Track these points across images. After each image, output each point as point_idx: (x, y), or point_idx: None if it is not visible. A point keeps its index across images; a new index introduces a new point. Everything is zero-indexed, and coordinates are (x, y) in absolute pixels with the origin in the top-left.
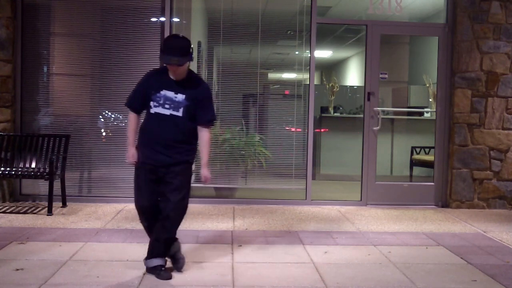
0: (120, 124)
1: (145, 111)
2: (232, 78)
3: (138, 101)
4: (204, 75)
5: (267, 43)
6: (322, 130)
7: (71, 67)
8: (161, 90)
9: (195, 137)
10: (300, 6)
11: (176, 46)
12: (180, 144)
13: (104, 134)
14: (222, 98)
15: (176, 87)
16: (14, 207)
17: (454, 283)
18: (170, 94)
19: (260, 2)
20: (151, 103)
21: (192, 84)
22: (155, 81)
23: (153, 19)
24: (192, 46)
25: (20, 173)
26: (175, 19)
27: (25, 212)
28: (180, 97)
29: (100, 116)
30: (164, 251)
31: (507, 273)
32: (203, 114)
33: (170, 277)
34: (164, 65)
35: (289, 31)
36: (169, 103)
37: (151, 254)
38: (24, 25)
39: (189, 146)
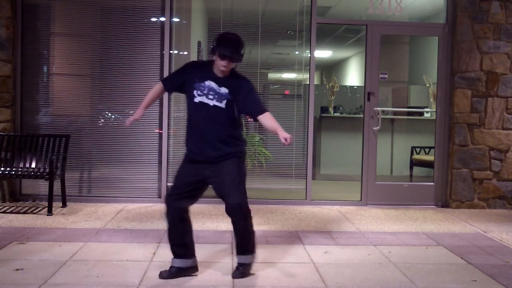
0: (120, 124)
1: (175, 92)
2: None
3: (173, 82)
4: None
5: (267, 43)
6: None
7: (71, 67)
8: (206, 80)
9: (238, 134)
10: (300, 6)
11: (240, 44)
12: (224, 136)
13: (104, 134)
14: None
15: (219, 80)
16: (14, 207)
17: (454, 283)
18: (214, 85)
19: (260, 2)
20: (195, 92)
21: (234, 79)
22: (199, 71)
23: (153, 19)
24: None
25: (20, 173)
26: (175, 19)
27: (25, 212)
28: (224, 90)
29: (100, 116)
30: (248, 248)
31: (507, 273)
32: (253, 107)
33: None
34: (211, 59)
35: (289, 31)
36: (212, 94)
37: (238, 251)
38: (24, 25)
39: (233, 140)
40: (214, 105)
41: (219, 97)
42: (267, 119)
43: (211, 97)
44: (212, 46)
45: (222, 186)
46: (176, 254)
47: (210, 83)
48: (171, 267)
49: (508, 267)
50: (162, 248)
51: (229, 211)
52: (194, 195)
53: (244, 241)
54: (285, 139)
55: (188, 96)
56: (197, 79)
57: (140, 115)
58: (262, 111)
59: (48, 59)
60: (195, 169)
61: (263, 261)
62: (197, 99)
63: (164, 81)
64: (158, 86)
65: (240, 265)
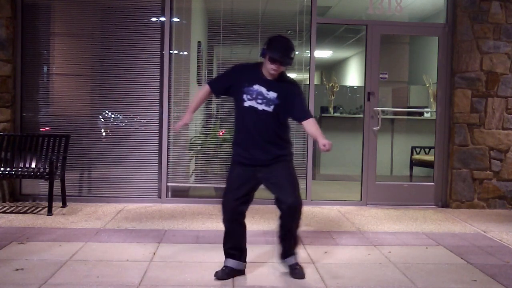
0: (120, 124)
1: (220, 95)
2: None
3: (221, 85)
4: (204, 75)
5: None
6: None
7: (71, 67)
8: (254, 85)
9: (286, 137)
10: (300, 6)
11: (290, 48)
12: (273, 139)
13: (104, 134)
14: (222, 98)
15: (267, 84)
16: (14, 207)
17: (454, 283)
18: (263, 89)
19: (260, 2)
20: (244, 96)
21: (282, 84)
22: (248, 75)
23: (153, 19)
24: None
25: (20, 173)
26: (175, 19)
27: (25, 212)
28: (272, 94)
29: (100, 116)
30: (291, 248)
31: (507, 273)
32: (299, 112)
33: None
34: (260, 61)
35: (289, 31)
36: (261, 98)
37: (284, 255)
38: (24, 25)
39: (282, 142)
40: (263, 109)
41: (267, 101)
42: (310, 125)
43: (259, 101)
44: (262, 49)
45: (278, 188)
46: (231, 255)
47: (259, 88)
48: (225, 266)
49: (508, 267)
50: (162, 248)
51: (287, 213)
52: (251, 198)
53: (289, 243)
54: (324, 145)
55: (237, 100)
56: (246, 84)
57: (190, 120)
58: (308, 117)
59: (48, 59)
60: (247, 171)
61: (264, 260)
62: (247, 104)
63: (212, 84)
64: (205, 89)
65: (296, 264)
